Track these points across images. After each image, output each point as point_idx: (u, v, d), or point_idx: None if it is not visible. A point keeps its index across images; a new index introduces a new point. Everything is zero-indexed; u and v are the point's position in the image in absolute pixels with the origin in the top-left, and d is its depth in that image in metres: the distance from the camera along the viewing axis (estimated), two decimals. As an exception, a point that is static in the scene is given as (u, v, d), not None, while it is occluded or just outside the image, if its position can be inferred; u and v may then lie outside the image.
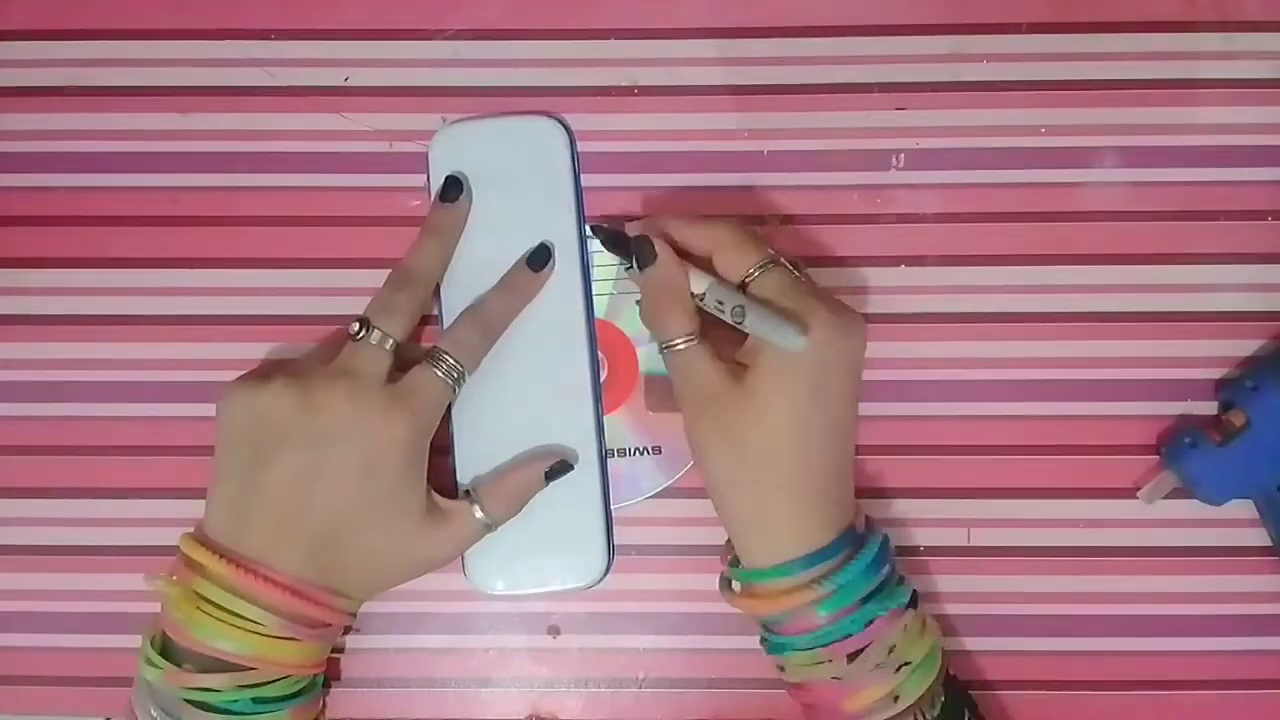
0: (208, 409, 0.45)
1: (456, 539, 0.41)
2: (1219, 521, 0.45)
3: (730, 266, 0.41)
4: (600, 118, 0.46)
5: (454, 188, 0.43)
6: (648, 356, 0.45)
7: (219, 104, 0.46)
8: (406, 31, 0.46)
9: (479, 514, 0.41)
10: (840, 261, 0.46)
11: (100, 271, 0.46)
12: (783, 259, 0.41)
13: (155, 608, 0.45)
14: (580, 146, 0.45)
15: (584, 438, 0.43)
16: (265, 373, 0.41)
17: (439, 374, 0.40)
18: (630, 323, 0.45)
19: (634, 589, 0.45)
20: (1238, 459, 0.42)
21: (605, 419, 0.44)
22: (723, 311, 0.40)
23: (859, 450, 0.45)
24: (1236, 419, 0.43)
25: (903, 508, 0.45)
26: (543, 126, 0.44)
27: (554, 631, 0.45)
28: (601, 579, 0.43)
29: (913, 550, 0.45)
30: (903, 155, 0.46)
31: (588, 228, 0.44)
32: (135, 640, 0.45)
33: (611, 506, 0.44)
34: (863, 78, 0.46)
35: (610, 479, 0.44)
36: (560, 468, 0.42)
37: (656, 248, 0.41)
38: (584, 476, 0.43)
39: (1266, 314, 0.45)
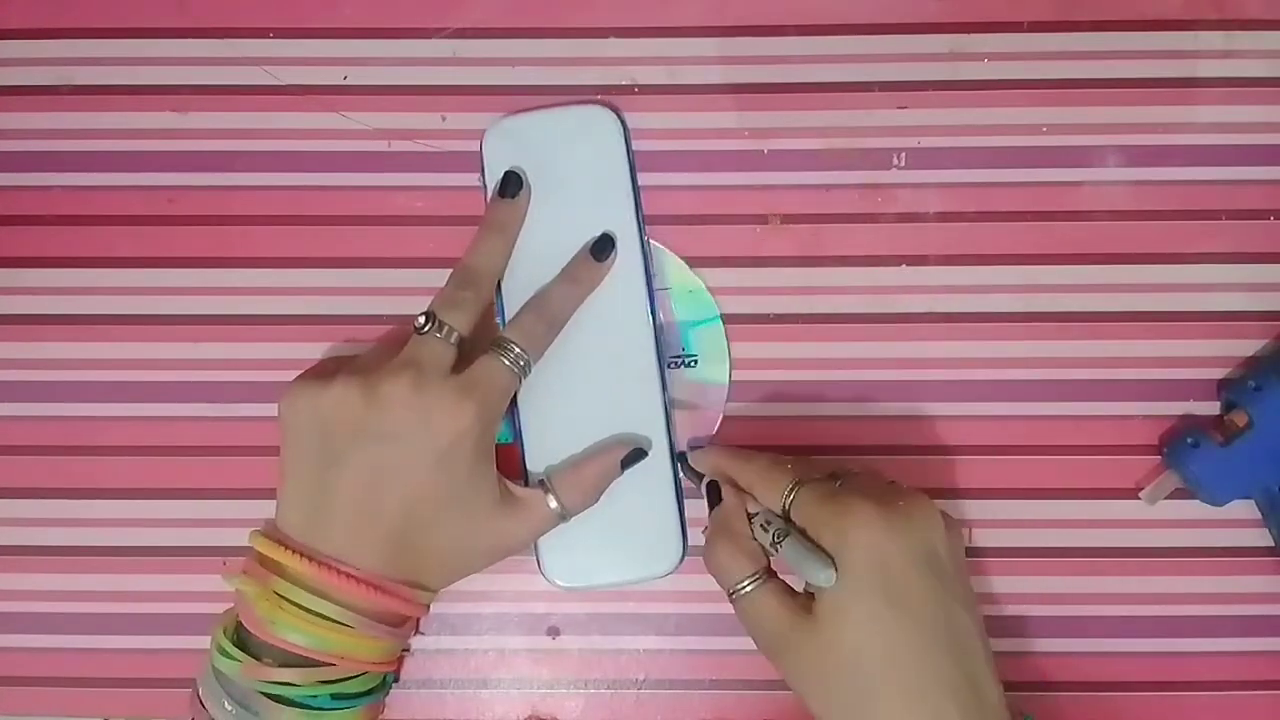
0: (208, 408, 0.45)
1: (531, 526, 0.41)
2: (1221, 522, 0.45)
3: (768, 498, 0.40)
4: (600, 117, 0.46)
5: (513, 183, 0.43)
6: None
7: (217, 103, 0.46)
8: (406, 30, 0.46)
9: (553, 504, 0.41)
10: (840, 261, 0.45)
11: (98, 271, 0.46)
12: (816, 473, 0.39)
13: (155, 607, 0.45)
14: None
15: (654, 425, 0.43)
16: (328, 370, 0.40)
17: (505, 363, 0.40)
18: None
19: (634, 589, 0.45)
20: (1240, 459, 0.42)
21: None
22: (772, 545, 0.38)
23: (860, 449, 0.45)
24: (1239, 419, 0.43)
25: (903, 508, 0.45)
26: (595, 115, 0.44)
27: (554, 632, 0.45)
28: (677, 566, 0.43)
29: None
30: (903, 154, 0.46)
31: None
32: (134, 640, 0.45)
33: (683, 493, 0.44)
34: (863, 76, 0.46)
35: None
36: (635, 455, 0.42)
37: (722, 490, 0.41)
38: (656, 464, 0.43)
39: (1268, 313, 0.45)
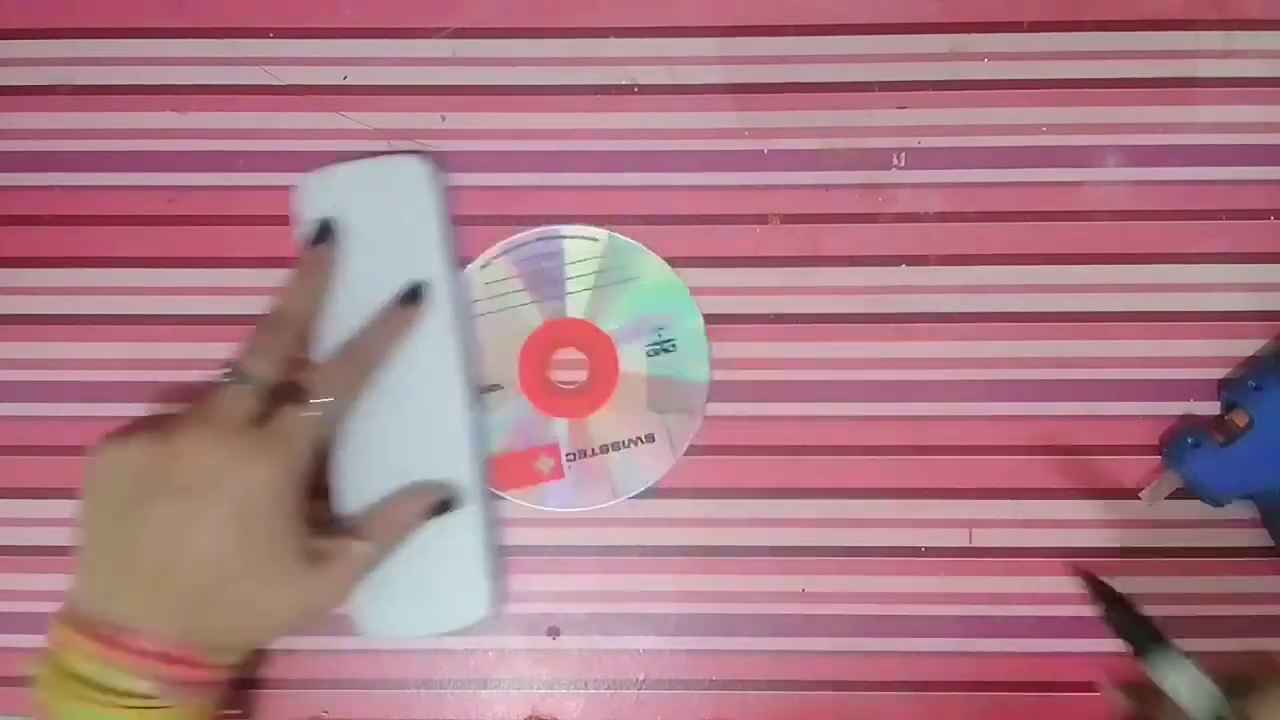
0: (206, 409, 0.45)
1: (339, 579, 0.39)
2: (1221, 522, 0.45)
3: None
4: (600, 117, 0.46)
5: (322, 232, 0.43)
6: (629, 354, 0.45)
7: (217, 103, 0.46)
8: (405, 30, 0.46)
9: (360, 548, 0.40)
10: (840, 261, 0.45)
11: (98, 271, 0.46)
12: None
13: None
14: (580, 146, 0.45)
15: (462, 476, 0.42)
16: (130, 428, 0.39)
17: (309, 412, 0.39)
18: (609, 321, 0.45)
19: (634, 589, 0.45)
20: (1240, 459, 0.42)
21: (595, 416, 0.45)
22: None
23: (860, 450, 0.45)
24: (1239, 419, 0.43)
25: (904, 508, 0.45)
26: (407, 166, 0.44)
27: (554, 632, 0.45)
28: (485, 617, 0.43)
29: (914, 551, 0.45)
30: (903, 154, 0.46)
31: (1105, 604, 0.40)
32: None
33: (495, 544, 0.43)
34: (863, 76, 0.46)
35: (610, 474, 0.44)
36: (440, 505, 0.41)
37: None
38: (464, 516, 0.42)
39: (1269, 313, 0.45)
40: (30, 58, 0.46)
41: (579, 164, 0.45)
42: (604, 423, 0.45)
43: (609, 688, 0.45)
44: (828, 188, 0.46)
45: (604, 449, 0.45)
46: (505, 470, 0.45)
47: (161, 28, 0.46)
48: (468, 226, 0.46)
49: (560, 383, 0.46)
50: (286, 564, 0.38)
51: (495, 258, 0.45)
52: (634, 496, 0.45)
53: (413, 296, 0.42)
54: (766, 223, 0.45)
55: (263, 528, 0.38)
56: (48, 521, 0.46)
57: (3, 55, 0.46)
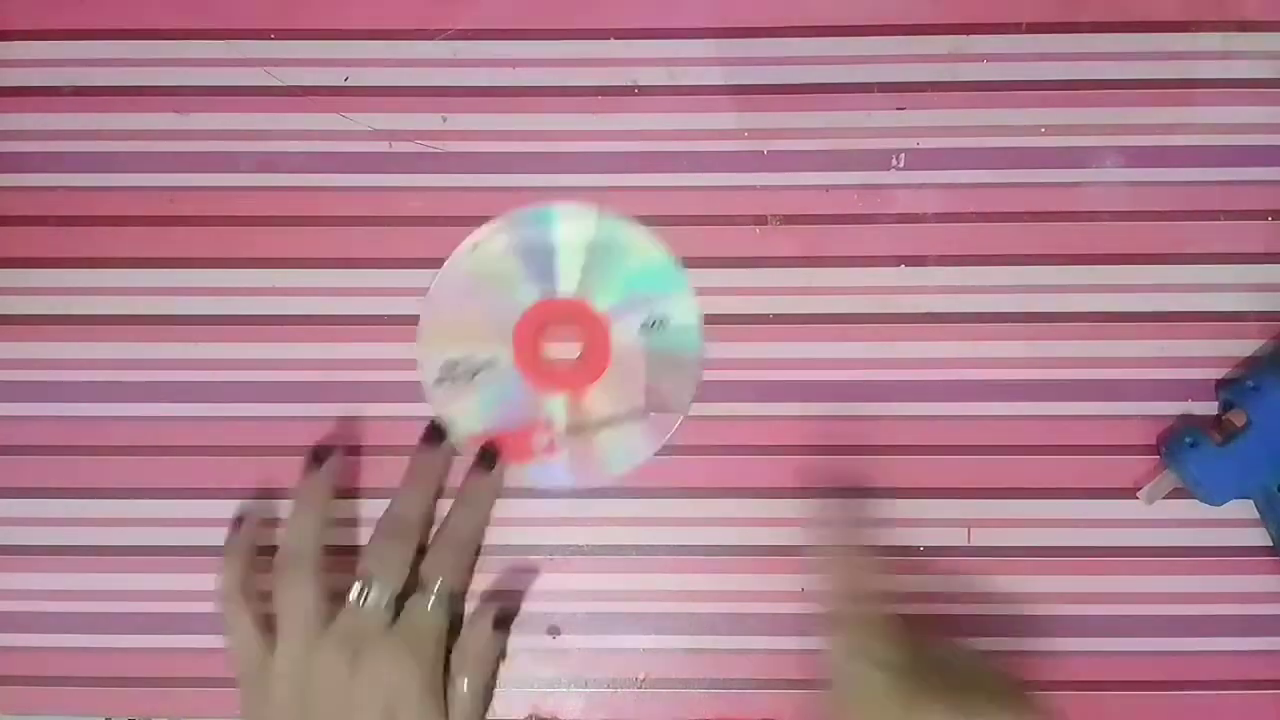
0: (208, 408, 0.45)
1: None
2: (1219, 521, 0.45)
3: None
4: (600, 118, 0.46)
5: (437, 432, 0.44)
6: (622, 331, 0.45)
7: (218, 104, 0.46)
8: (406, 31, 0.46)
9: (465, 687, 0.41)
10: (839, 262, 0.46)
11: (99, 271, 0.46)
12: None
13: (155, 606, 0.45)
14: (580, 146, 0.46)
15: None
16: (270, 643, 0.41)
17: (428, 606, 0.41)
18: (602, 298, 0.45)
19: (634, 589, 0.45)
20: (1238, 459, 0.42)
21: (589, 392, 0.45)
22: None
23: (859, 449, 0.45)
24: (1237, 419, 0.43)
25: (903, 508, 0.45)
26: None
27: (554, 632, 0.45)
28: None
29: (913, 550, 0.45)
30: (903, 155, 0.46)
31: None
32: (135, 640, 0.45)
33: None
34: (863, 78, 0.46)
35: (604, 449, 0.45)
36: (505, 618, 0.43)
37: None
38: None
39: (1267, 314, 0.45)
40: (32, 59, 0.46)
41: (580, 165, 0.46)
42: (598, 399, 0.45)
43: (609, 686, 0.45)
44: (827, 188, 0.46)
45: (598, 425, 0.45)
46: (499, 447, 0.45)
47: (163, 29, 0.46)
48: (468, 227, 0.46)
49: (554, 360, 0.46)
50: None
51: (489, 236, 0.46)
52: (628, 471, 0.45)
53: (490, 458, 0.44)
54: (766, 223, 0.46)
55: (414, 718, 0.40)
56: (48, 521, 0.46)
57: (5, 56, 0.47)
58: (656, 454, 0.45)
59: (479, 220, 0.46)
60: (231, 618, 0.42)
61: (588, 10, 0.46)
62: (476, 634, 0.42)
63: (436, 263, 0.45)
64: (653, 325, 0.45)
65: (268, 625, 0.41)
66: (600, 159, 0.46)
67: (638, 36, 0.46)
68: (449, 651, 0.42)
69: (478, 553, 0.44)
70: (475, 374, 0.45)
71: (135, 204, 0.46)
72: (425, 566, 0.42)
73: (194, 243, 0.46)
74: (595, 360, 0.45)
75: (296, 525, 0.42)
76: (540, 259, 0.46)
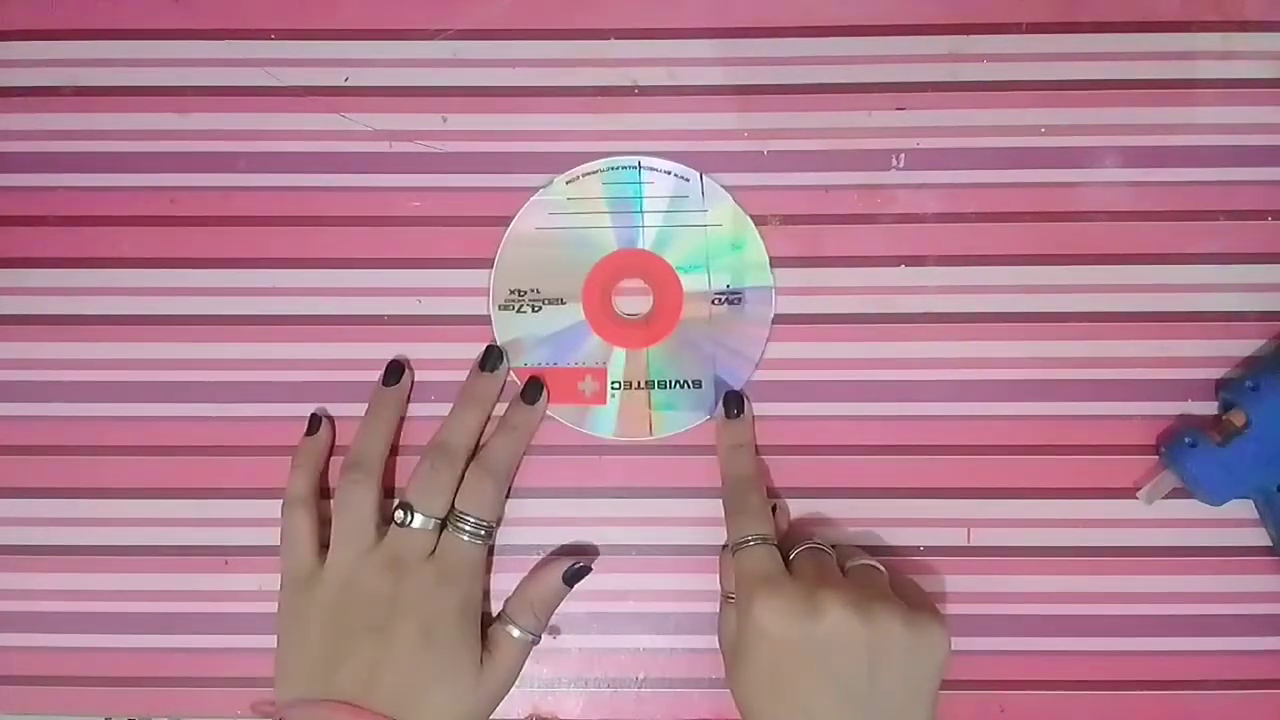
0: (208, 408, 0.45)
1: (509, 669, 0.43)
2: (1219, 521, 0.45)
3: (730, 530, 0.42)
4: (600, 118, 0.46)
5: (493, 356, 0.45)
6: (695, 299, 0.45)
7: (219, 104, 0.46)
8: (406, 31, 0.46)
9: (516, 633, 0.43)
10: (840, 262, 0.46)
11: (99, 271, 0.46)
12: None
13: (157, 606, 0.45)
14: (580, 146, 0.46)
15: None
16: (317, 570, 0.42)
17: (465, 538, 0.42)
18: (676, 254, 0.45)
19: (634, 589, 0.45)
20: (1238, 459, 0.42)
21: (650, 351, 0.45)
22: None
23: (859, 449, 0.45)
24: (1237, 419, 0.43)
25: (903, 507, 0.45)
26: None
27: (554, 631, 0.45)
28: None
29: (913, 550, 0.45)
30: (903, 155, 0.46)
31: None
32: (136, 640, 0.45)
33: None
34: (863, 78, 0.46)
35: (650, 411, 0.45)
36: (578, 571, 0.43)
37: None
38: None
39: (1266, 314, 0.45)
40: (33, 59, 0.46)
41: (580, 165, 0.46)
42: (656, 359, 0.45)
43: (609, 686, 0.45)
44: (827, 188, 0.46)
45: (649, 384, 0.45)
46: (549, 383, 0.45)
47: (163, 29, 0.46)
48: (469, 227, 0.46)
49: (622, 312, 0.46)
50: (469, 675, 0.41)
51: (582, 175, 0.46)
52: (672, 435, 0.45)
53: (535, 391, 0.44)
54: (766, 223, 0.46)
55: (447, 649, 0.41)
56: (48, 521, 0.46)
57: (5, 56, 0.47)
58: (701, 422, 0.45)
59: (480, 221, 0.46)
60: (291, 524, 0.43)
61: (588, 10, 0.46)
62: (543, 584, 0.43)
63: (437, 263, 0.45)
64: (726, 300, 0.45)
65: (322, 536, 0.43)
66: (600, 159, 0.46)
67: (638, 36, 0.46)
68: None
69: (508, 483, 0.44)
70: (540, 307, 0.45)
71: (135, 204, 0.46)
72: (461, 498, 0.42)
73: (194, 243, 0.46)
74: (663, 321, 0.45)
75: (365, 433, 0.44)
76: (628, 208, 0.46)
